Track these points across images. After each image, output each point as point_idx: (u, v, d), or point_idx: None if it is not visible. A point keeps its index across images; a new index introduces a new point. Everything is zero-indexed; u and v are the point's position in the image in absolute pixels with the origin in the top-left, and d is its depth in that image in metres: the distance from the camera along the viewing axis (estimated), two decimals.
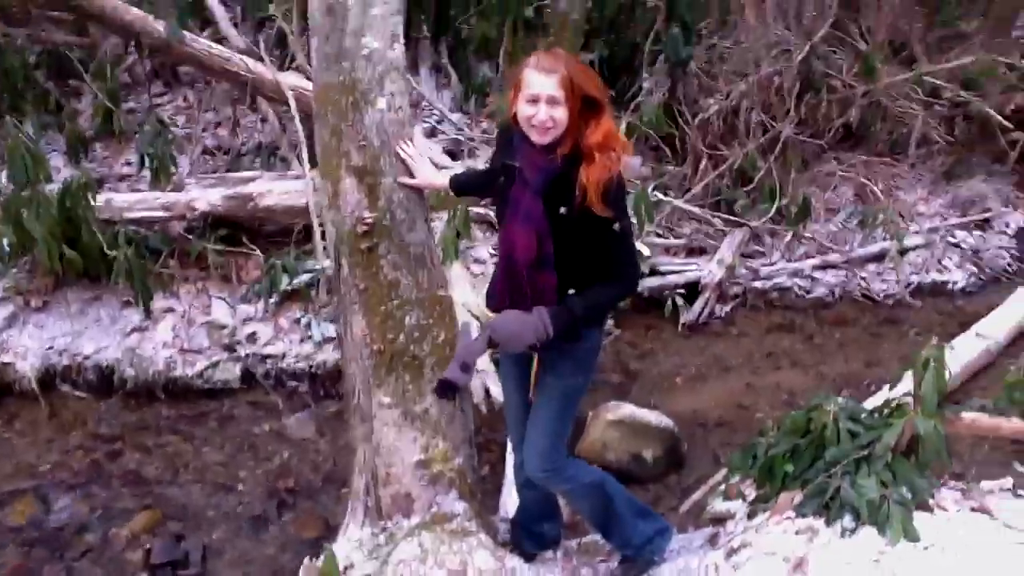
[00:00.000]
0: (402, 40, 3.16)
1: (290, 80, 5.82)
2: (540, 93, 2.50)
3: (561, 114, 2.51)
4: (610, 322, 5.43)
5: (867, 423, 3.00)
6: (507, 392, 3.15)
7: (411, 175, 3.13)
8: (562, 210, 2.58)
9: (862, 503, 2.80)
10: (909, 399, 3.03)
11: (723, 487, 3.64)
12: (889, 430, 2.89)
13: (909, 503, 2.82)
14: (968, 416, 3.08)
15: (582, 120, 2.54)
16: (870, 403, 3.55)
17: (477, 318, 4.79)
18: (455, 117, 7.18)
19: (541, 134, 2.55)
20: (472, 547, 3.03)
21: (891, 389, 3.26)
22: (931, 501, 2.89)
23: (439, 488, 3.25)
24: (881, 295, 6.27)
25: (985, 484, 3.23)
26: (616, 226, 2.58)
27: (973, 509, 2.96)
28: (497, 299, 2.84)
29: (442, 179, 3.19)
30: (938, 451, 2.91)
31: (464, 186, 3.19)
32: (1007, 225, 7.35)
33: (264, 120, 6.61)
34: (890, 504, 2.79)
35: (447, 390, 2.73)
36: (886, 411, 3.07)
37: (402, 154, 3.10)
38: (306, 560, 1.87)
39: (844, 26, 7.59)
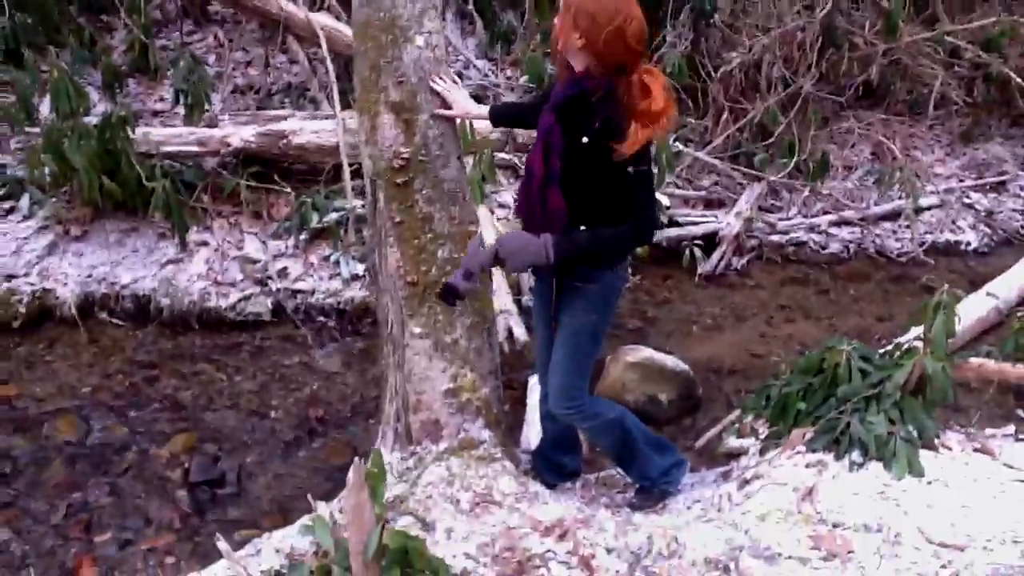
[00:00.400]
0: None
1: (322, 20, 5.88)
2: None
3: (570, 40, 2.63)
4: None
5: (878, 364, 3.13)
6: (537, 326, 3.27)
7: (448, 108, 3.16)
8: (584, 140, 2.65)
9: (870, 439, 2.94)
10: (919, 343, 3.17)
11: (736, 426, 3.79)
12: (899, 370, 3.02)
13: (916, 441, 2.96)
14: (975, 361, 3.22)
15: (611, 65, 2.59)
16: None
17: None
18: (480, 64, 7.24)
19: (561, 52, 2.72)
20: (497, 472, 3.17)
21: (904, 335, 3.38)
22: (937, 441, 3.04)
23: (467, 416, 3.37)
24: (895, 253, 6.37)
25: (988, 430, 3.38)
26: (630, 169, 2.63)
27: (976, 450, 3.10)
28: (518, 211, 2.96)
29: (479, 109, 3.23)
30: (945, 392, 3.04)
31: (503, 117, 3.28)
32: (1022, 188, 7.42)
33: (294, 60, 6.69)
34: (897, 441, 2.92)
35: (448, 295, 2.80)
36: (896, 353, 3.20)
37: (438, 87, 3.12)
38: (356, 460, 2.01)
39: None
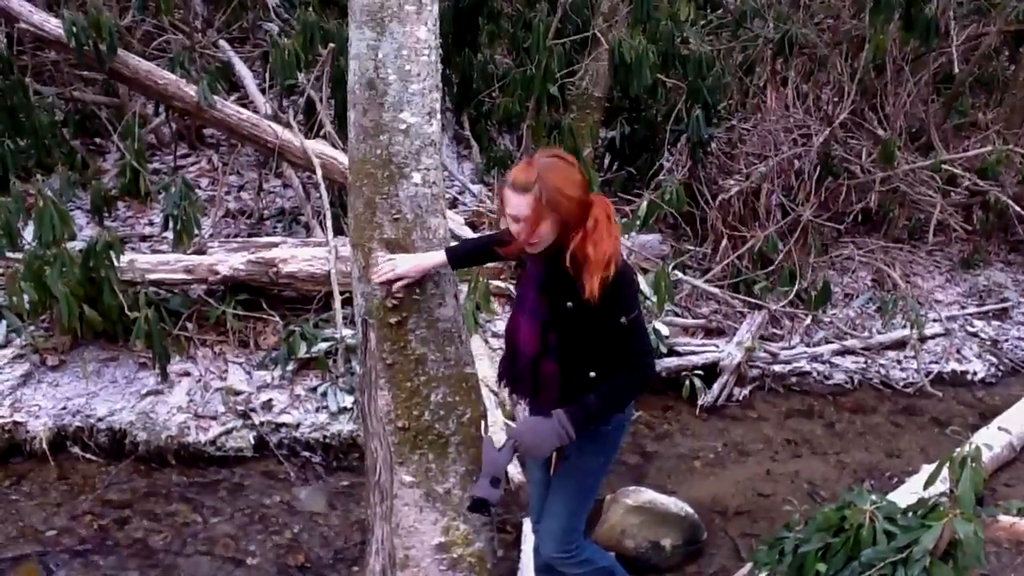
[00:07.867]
0: (439, 116, 3.16)
1: (317, 147, 5.84)
2: (517, 214, 2.60)
3: (544, 228, 2.58)
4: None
5: (903, 524, 2.91)
6: (532, 467, 3.18)
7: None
8: (569, 304, 2.63)
9: None
10: (944, 499, 2.96)
11: None
12: (928, 533, 2.80)
13: None
14: (1006, 519, 3.00)
15: (573, 224, 2.58)
16: (893, 495, 3.48)
17: (495, 393, 4.75)
18: (475, 188, 7.20)
19: (529, 247, 2.65)
20: None
21: (926, 488, 3.18)
22: None
23: (458, 573, 3.18)
24: (900, 383, 6.19)
25: None
26: (623, 319, 2.61)
27: None
28: (502, 379, 3.02)
29: (434, 258, 3.05)
30: (977, 556, 2.82)
31: (463, 258, 3.14)
32: None
33: (287, 186, 6.63)
34: None
35: (481, 507, 2.77)
36: (920, 511, 2.99)
37: (382, 277, 3.02)
38: None
39: (863, 112, 7.67)
